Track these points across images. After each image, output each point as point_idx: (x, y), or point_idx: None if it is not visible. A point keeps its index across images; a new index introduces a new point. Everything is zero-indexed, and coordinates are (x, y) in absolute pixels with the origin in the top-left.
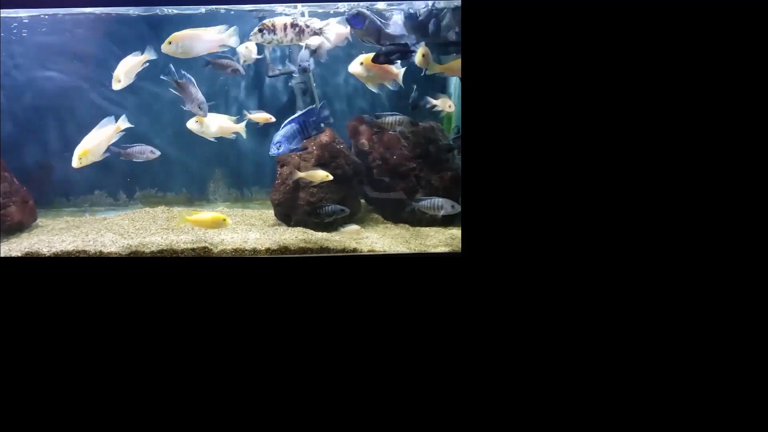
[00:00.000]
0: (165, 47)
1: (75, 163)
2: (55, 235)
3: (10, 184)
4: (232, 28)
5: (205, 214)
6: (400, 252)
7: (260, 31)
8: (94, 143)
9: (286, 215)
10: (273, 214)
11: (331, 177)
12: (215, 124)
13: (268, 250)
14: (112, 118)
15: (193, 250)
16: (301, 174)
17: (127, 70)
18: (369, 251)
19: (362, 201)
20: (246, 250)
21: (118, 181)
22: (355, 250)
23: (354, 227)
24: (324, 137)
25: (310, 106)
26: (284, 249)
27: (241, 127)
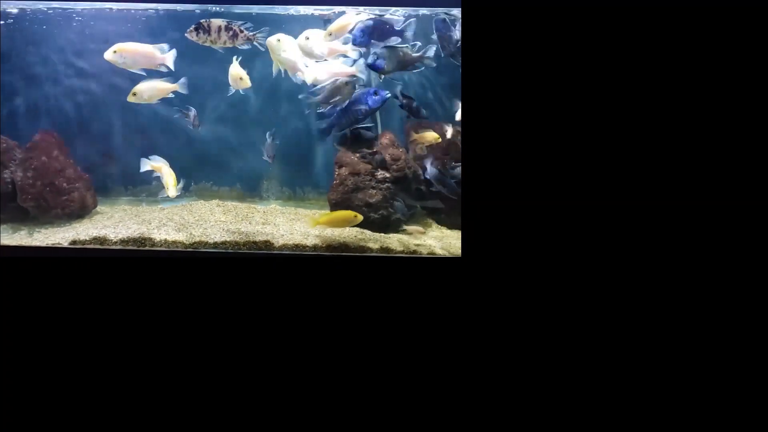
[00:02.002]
0: (109, 55)
1: (130, 97)
2: (119, 222)
3: (74, 171)
4: (172, 51)
5: (337, 213)
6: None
7: (196, 29)
8: (149, 86)
9: None
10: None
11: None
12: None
13: (328, 247)
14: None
15: (254, 243)
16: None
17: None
18: (429, 254)
19: (417, 205)
20: (307, 246)
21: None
22: (414, 252)
23: (417, 227)
24: (384, 139)
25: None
26: (344, 247)
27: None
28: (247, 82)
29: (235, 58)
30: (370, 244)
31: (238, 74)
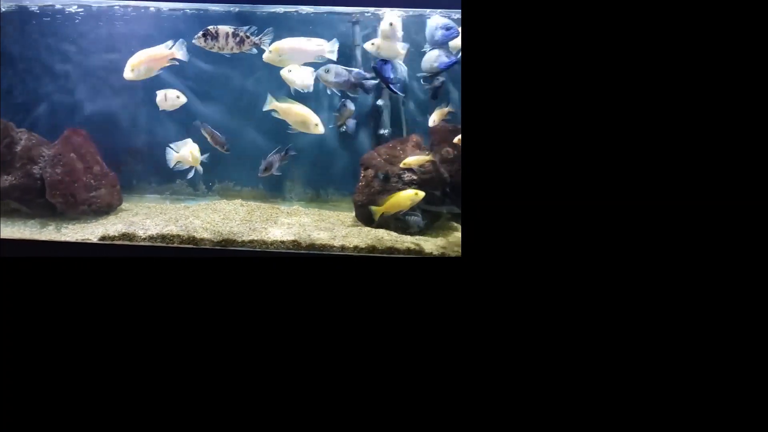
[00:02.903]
0: (128, 74)
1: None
2: (147, 219)
3: (101, 168)
4: (179, 42)
5: (396, 196)
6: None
7: (204, 35)
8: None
9: (369, 217)
10: (350, 215)
11: (432, 159)
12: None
13: (356, 248)
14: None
15: (282, 242)
16: (407, 161)
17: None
18: (455, 254)
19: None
20: (334, 246)
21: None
22: (443, 253)
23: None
24: (411, 142)
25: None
26: (372, 248)
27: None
28: (321, 128)
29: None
30: (398, 245)
31: (311, 120)
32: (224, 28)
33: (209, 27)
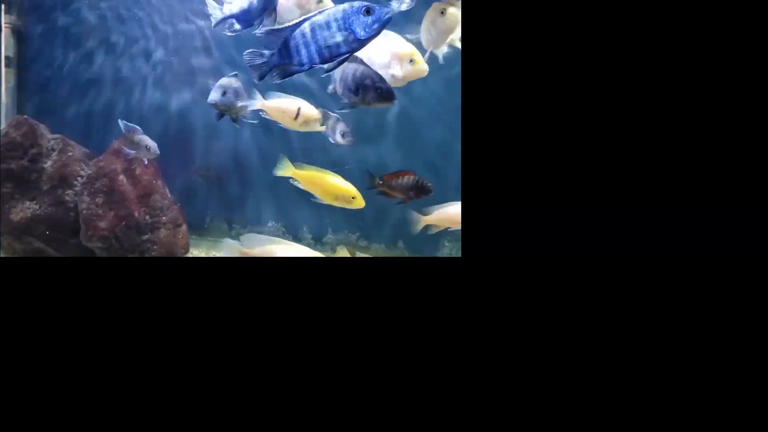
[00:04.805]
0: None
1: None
2: None
3: (163, 198)
4: None
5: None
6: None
7: None
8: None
9: None
10: None
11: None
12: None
13: None
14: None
15: None
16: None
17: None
18: None
19: None
20: None
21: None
22: None
23: None
24: None
25: None
26: None
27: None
28: (361, 202)
29: None
30: None
31: (348, 192)
32: None
33: None
